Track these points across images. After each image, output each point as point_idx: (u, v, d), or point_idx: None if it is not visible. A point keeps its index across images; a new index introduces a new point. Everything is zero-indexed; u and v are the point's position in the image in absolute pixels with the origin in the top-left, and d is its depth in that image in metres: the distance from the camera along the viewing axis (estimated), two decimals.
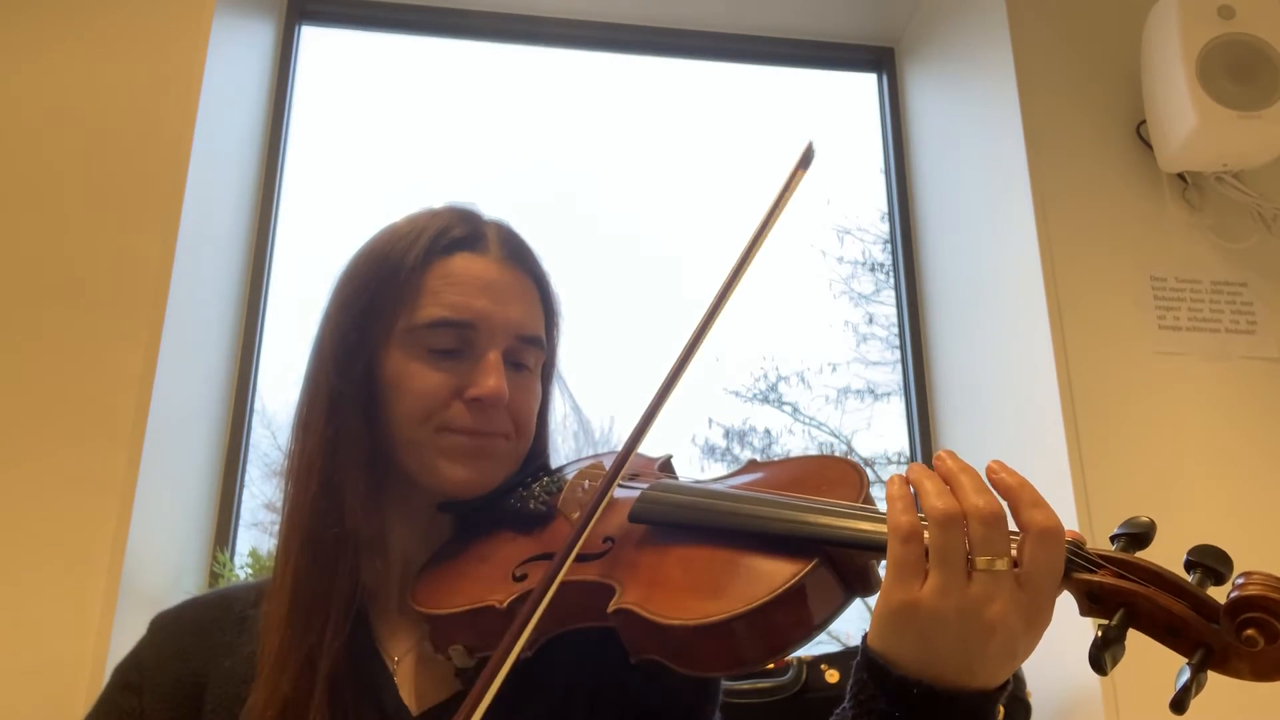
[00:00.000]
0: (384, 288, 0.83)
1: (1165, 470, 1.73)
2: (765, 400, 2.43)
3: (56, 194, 1.70)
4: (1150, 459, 1.73)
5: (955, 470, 0.61)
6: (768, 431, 2.41)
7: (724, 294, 0.76)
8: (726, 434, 2.40)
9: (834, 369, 2.42)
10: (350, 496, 0.80)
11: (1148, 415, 1.76)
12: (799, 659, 1.56)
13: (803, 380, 2.43)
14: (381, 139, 2.38)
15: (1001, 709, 0.63)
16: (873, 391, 2.40)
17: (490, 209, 0.92)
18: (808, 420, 2.42)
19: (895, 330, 2.33)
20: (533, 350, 0.86)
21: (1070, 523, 1.65)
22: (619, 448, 0.77)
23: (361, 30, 2.34)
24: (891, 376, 2.36)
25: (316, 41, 2.31)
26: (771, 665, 1.52)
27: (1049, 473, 1.72)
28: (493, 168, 2.35)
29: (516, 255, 0.88)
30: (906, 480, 0.62)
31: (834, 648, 1.62)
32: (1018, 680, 1.54)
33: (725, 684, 1.53)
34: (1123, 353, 1.79)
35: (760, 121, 2.52)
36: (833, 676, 1.55)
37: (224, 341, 1.95)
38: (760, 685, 1.53)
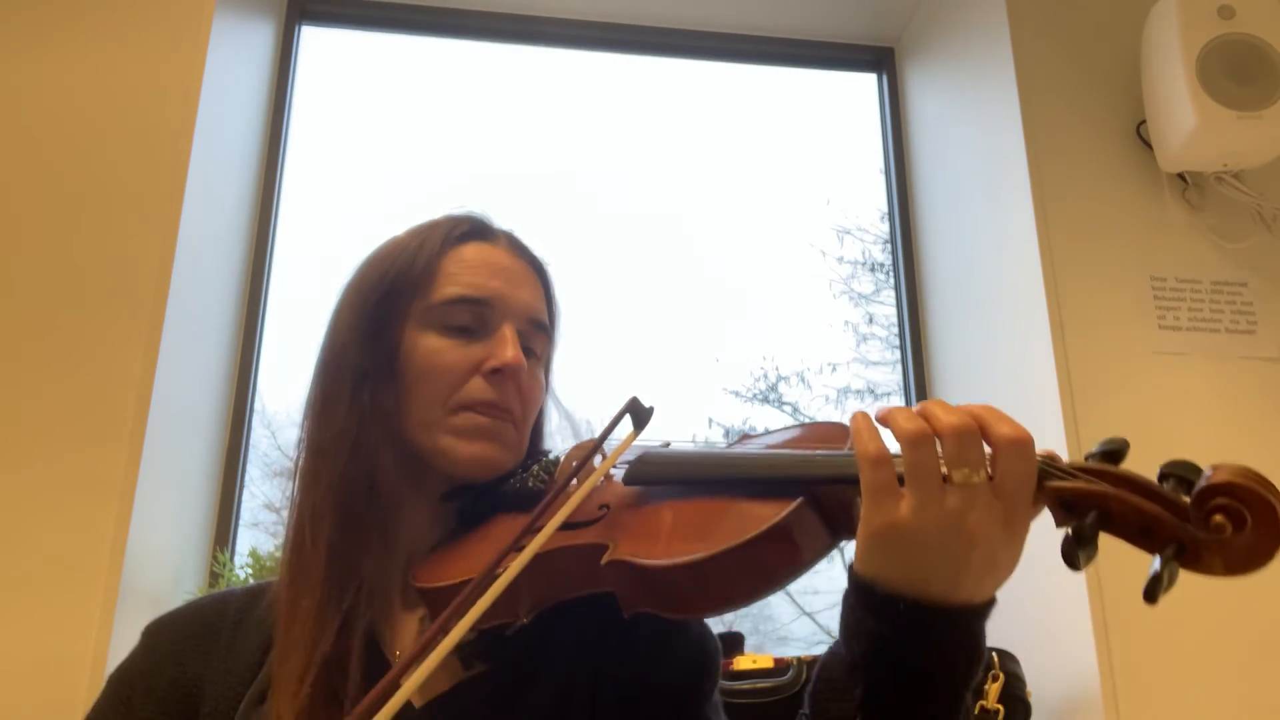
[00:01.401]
0: (402, 275, 0.86)
1: None
2: (765, 400, 2.43)
3: (57, 194, 1.70)
4: (1150, 459, 1.73)
5: (925, 402, 0.63)
6: (767, 431, 2.41)
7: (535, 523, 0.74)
8: (726, 434, 2.40)
9: (834, 369, 2.42)
10: (383, 461, 0.81)
11: (1148, 415, 1.76)
12: (799, 659, 1.56)
13: (803, 380, 2.43)
14: (381, 139, 2.38)
15: (1001, 707, 0.63)
16: (873, 391, 2.40)
17: (489, 209, 0.95)
18: (808, 420, 2.42)
19: (895, 330, 2.33)
20: (541, 337, 0.90)
21: None
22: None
23: (361, 30, 2.34)
24: (891, 376, 2.36)
25: (316, 41, 2.31)
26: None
27: None
28: (492, 167, 2.35)
29: (524, 251, 0.92)
30: (868, 414, 0.64)
31: None
32: (1018, 680, 1.54)
33: (725, 684, 1.54)
34: (1123, 353, 1.79)
35: (760, 121, 2.52)
36: None
37: (224, 341, 1.95)
38: (760, 685, 1.53)
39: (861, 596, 0.63)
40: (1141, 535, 0.58)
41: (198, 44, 1.81)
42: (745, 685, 1.53)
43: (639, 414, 0.79)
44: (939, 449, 0.60)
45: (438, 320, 0.84)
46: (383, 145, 2.37)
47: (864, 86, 2.51)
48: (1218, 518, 0.54)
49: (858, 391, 2.39)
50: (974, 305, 2.07)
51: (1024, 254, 1.86)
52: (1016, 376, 1.90)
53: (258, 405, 2.02)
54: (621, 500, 0.77)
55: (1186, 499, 0.56)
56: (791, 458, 0.70)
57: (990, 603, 0.63)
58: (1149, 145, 1.92)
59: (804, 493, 0.65)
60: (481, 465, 0.84)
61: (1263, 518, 0.53)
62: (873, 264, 2.49)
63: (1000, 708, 1.43)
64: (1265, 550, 0.54)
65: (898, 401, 2.30)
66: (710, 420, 2.38)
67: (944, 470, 0.60)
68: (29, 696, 1.42)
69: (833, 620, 0.67)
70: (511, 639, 0.76)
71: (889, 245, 2.41)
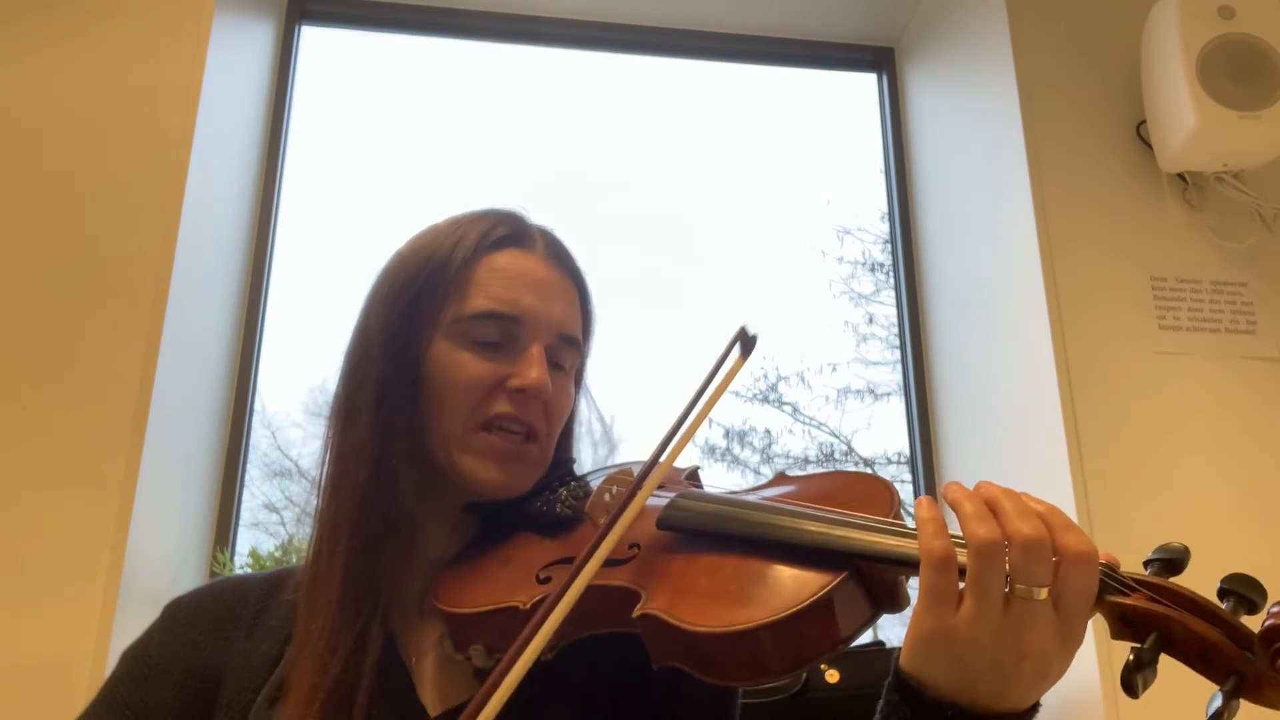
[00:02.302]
0: (432, 279, 0.84)
1: (1165, 470, 1.73)
2: (765, 400, 2.43)
3: (57, 194, 1.70)
4: (1150, 459, 1.73)
5: (998, 495, 0.60)
6: (768, 431, 2.41)
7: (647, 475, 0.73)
8: (726, 434, 2.40)
9: (834, 369, 2.42)
10: (403, 481, 0.80)
11: (1148, 415, 1.76)
12: None
13: (803, 380, 2.43)
14: (381, 139, 2.38)
15: None
16: (873, 391, 2.40)
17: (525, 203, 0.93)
18: (808, 420, 2.42)
19: (895, 330, 2.33)
20: (571, 351, 0.87)
21: None
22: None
23: (361, 30, 2.34)
24: (891, 376, 2.36)
25: (316, 41, 2.31)
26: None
27: (1049, 472, 1.72)
28: (492, 168, 2.35)
29: (561, 257, 0.90)
30: (935, 502, 0.62)
31: None
32: None
33: None
34: (1123, 353, 1.79)
35: (760, 121, 2.52)
36: (833, 677, 1.55)
37: (224, 342, 1.95)
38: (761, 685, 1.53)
39: (906, 695, 0.61)
40: (1201, 661, 0.57)
41: (198, 44, 1.81)
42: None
43: (746, 343, 0.77)
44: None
45: (465, 333, 0.82)
46: (382, 145, 2.37)
47: (864, 86, 2.51)
48: None
49: (858, 391, 2.39)
50: (974, 305, 2.06)
51: (1024, 254, 1.86)
52: (1016, 376, 1.90)
53: (258, 405, 2.02)
54: (653, 541, 0.75)
55: (1249, 627, 0.55)
56: (839, 523, 0.66)
57: (1035, 708, 0.62)
58: (1149, 145, 1.92)
59: (849, 566, 0.63)
60: (502, 489, 0.83)
61: None
62: (873, 264, 2.49)
63: None
64: None
65: (898, 402, 2.30)
66: (710, 420, 2.38)
67: (1007, 578, 0.58)
68: (29, 697, 1.42)
69: None
70: None
71: (889, 245, 2.41)
